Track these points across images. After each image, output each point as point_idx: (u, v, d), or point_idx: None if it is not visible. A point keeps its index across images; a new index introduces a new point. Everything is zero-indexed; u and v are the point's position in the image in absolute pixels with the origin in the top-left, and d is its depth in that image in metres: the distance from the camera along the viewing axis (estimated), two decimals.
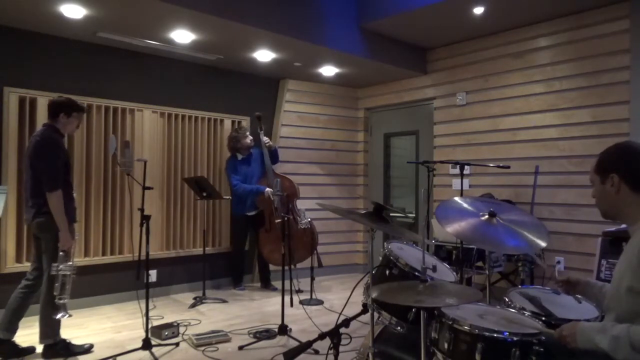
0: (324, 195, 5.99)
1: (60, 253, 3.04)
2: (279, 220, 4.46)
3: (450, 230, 2.04)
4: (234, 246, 5.33)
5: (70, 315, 3.12)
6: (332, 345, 2.02)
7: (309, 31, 4.40)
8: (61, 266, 3.02)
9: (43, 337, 3.14)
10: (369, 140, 6.38)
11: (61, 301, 3.04)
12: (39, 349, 3.18)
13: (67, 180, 3.21)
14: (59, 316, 3.05)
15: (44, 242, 3.13)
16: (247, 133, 5.15)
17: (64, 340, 3.23)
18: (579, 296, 1.98)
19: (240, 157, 5.15)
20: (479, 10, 4.24)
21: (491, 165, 4.37)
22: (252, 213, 5.17)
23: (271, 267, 5.34)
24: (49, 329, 3.14)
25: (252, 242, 5.45)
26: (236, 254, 5.29)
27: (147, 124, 4.81)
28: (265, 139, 5.13)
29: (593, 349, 1.48)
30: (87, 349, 3.31)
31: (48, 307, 3.09)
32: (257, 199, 5.06)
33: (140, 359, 3.21)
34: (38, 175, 3.08)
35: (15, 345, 3.15)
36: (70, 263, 3.07)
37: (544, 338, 1.59)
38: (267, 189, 4.91)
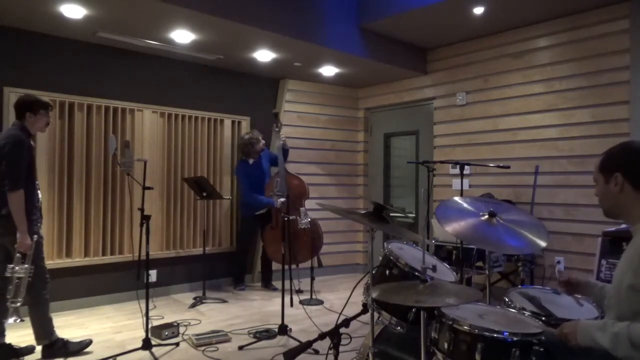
0: (324, 195, 5.99)
1: (17, 254, 2.92)
2: (292, 217, 4.49)
3: (450, 230, 2.04)
4: (238, 245, 5.33)
5: (22, 320, 2.92)
6: (332, 345, 2.02)
7: (309, 31, 4.40)
8: (16, 268, 2.88)
9: (38, 338, 3.14)
10: (369, 140, 6.38)
11: (14, 305, 2.86)
12: (39, 348, 3.18)
13: (32, 181, 3.11)
14: (10, 321, 2.89)
15: (9, 246, 3.02)
16: (260, 137, 5.14)
17: (61, 339, 3.22)
18: (579, 296, 1.98)
19: (251, 161, 5.15)
20: (479, 10, 4.24)
21: (491, 165, 4.37)
22: (262, 211, 5.16)
23: (272, 267, 5.34)
24: (42, 330, 3.13)
25: (255, 241, 5.45)
26: (239, 253, 5.29)
27: (147, 124, 4.81)
28: (282, 137, 5.09)
29: (593, 346, 1.49)
30: (86, 345, 3.30)
31: (35, 308, 3.08)
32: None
33: (140, 359, 3.21)
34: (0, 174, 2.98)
35: (11, 347, 3.13)
36: (27, 266, 2.92)
37: (544, 338, 1.59)
38: (278, 200, 4.86)
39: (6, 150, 2.99)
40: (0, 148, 3.00)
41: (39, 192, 3.22)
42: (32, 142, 3.15)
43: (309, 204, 5.30)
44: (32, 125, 3.16)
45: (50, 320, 3.17)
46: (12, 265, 2.88)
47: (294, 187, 5.04)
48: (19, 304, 2.88)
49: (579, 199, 4.22)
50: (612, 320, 1.52)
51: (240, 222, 5.38)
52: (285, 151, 5.16)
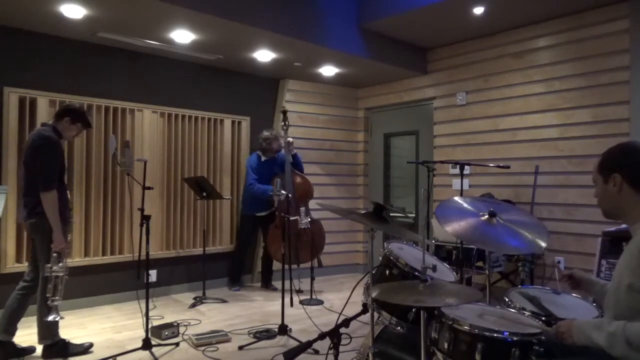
0: (324, 195, 5.99)
1: (54, 254, 2.98)
2: (293, 218, 4.50)
3: (450, 230, 2.04)
4: (237, 245, 5.32)
5: (62, 318, 3.04)
6: (332, 345, 2.02)
7: (309, 31, 4.40)
8: (55, 267, 2.96)
9: (42, 338, 3.14)
10: (369, 140, 6.38)
11: (54, 303, 2.97)
12: (39, 348, 3.18)
13: (62, 181, 3.17)
14: (50, 318, 2.97)
15: (37, 243, 3.09)
16: (280, 138, 5.11)
17: (63, 340, 3.23)
18: (578, 296, 1.99)
19: (264, 158, 5.14)
20: (479, 10, 4.24)
21: (491, 165, 4.37)
22: (264, 213, 5.14)
23: (273, 267, 5.33)
24: (47, 330, 3.13)
25: (254, 242, 5.45)
26: (238, 253, 5.28)
27: (147, 124, 4.81)
28: (289, 138, 5.02)
29: (589, 345, 1.49)
30: (87, 348, 3.31)
31: (45, 308, 3.08)
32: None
33: (140, 359, 3.21)
34: (33, 174, 3.04)
35: (14, 346, 3.15)
36: (62, 264, 3.00)
37: (544, 338, 1.59)
38: (282, 191, 4.86)
39: (42, 150, 3.04)
40: (36, 148, 3.06)
41: (68, 193, 3.26)
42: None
43: (308, 204, 5.30)
44: (64, 130, 3.22)
45: (57, 322, 3.17)
46: (49, 265, 2.96)
47: (297, 185, 5.02)
48: (58, 302, 2.98)
49: (579, 199, 4.22)
50: (608, 319, 1.53)
51: (240, 221, 5.36)
52: (293, 157, 5.08)
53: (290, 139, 5.06)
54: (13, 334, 3.14)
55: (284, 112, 5.02)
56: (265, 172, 5.11)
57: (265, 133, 5.13)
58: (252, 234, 5.28)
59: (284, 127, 4.96)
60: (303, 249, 4.93)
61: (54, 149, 3.09)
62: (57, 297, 2.99)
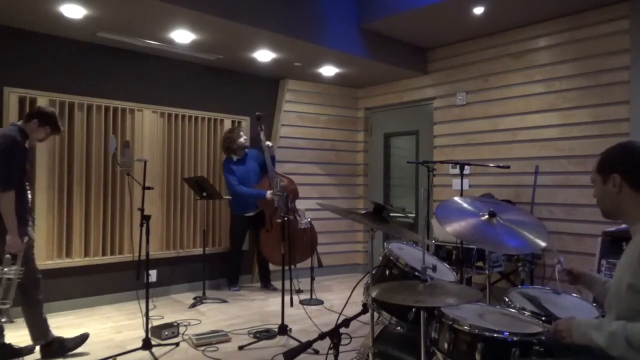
0: (324, 195, 5.99)
1: (7, 256, 2.87)
2: (280, 220, 4.47)
3: (450, 230, 2.04)
4: (231, 246, 5.32)
5: (12, 322, 2.93)
6: (332, 345, 2.02)
7: (309, 31, 4.40)
8: (6, 269, 2.84)
9: (34, 339, 3.13)
10: (369, 140, 6.38)
11: (3, 306, 2.83)
12: (38, 348, 3.17)
13: (22, 183, 3.07)
14: (2, 321, 2.88)
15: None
16: (242, 132, 5.12)
17: (58, 338, 3.21)
18: (577, 296, 1.99)
19: (235, 158, 5.12)
20: (479, 11, 4.24)
21: (491, 165, 4.37)
22: (251, 214, 5.15)
23: (271, 267, 5.33)
24: (37, 331, 3.12)
25: (251, 242, 5.45)
26: (233, 253, 5.27)
27: (147, 124, 4.81)
28: (268, 142, 5.09)
29: (589, 344, 1.48)
30: (82, 339, 3.28)
31: (30, 310, 3.06)
32: (258, 201, 5.04)
33: (140, 359, 3.21)
34: None
35: (10, 347, 3.12)
36: (16, 267, 2.87)
37: (544, 338, 1.59)
38: (268, 192, 4.90)
39: (1, 149, 2.95)
40: None
41: (28, 193, 3.19)
42: (26, 145, 3.13)
43: (308, 203, 5.30)
44: (31, 132, 3.15)
45: (45, 321, 3.16)
46: (0, 267, 2.85)
47: (284, 187, 5.02)
48: (8, 305, 2.86)
49: (579, 199, 4.22)
50: (609, 319, 1.52)
51: (232, 222, 5.33)
52: (272, 158, 5.11)
53: (269, 143, 5.06)
54: (2, 336, 3.09)
55: (258, 117, 5.01)
56: (241, 171, 5.08)
57: (227, 134, 5.11)
58: (244, 234, 5.28)
59: (260, 130, 4.97)
60: (299, 249, 4.93)
61: (14, 149, 2.99)
62: (7, 301, 2.84)
